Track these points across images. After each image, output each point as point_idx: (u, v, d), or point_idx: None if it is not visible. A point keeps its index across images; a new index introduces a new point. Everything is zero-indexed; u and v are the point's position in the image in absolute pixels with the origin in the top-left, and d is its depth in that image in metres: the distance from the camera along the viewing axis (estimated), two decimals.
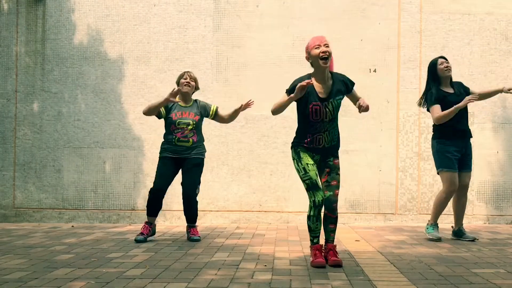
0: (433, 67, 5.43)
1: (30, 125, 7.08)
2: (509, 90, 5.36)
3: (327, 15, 7.04)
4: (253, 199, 6.98)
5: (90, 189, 7.04)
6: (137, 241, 5.20)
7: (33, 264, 4.04)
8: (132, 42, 7.09)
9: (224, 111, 5.58)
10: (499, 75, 7.04)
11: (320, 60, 3.96)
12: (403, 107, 7.01)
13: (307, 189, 4.00)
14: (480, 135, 6.86)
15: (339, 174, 4.09)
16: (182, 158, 5.34)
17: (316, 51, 3.97)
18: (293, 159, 4.08)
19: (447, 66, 5.36)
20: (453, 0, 7.05)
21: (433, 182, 6.92)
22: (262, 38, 7.06)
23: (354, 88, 4.17)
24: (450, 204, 5.48)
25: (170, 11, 7.11)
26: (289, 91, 4.05)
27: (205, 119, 5.55)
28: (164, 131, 5.46)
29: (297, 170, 4.05)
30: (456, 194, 5.36)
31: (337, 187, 4.06)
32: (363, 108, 3.96)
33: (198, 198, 5.47)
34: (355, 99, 4.14)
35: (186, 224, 5.61)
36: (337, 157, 4.13)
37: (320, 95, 4.00)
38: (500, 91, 5.46)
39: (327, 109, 3.99)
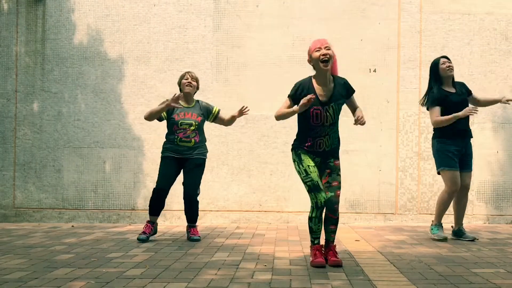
0: (435, 66, 5.43)
1: (30, 125, 7.09)
2: (507, 101, 5.36)
3: (327, 15, 7.04)
4: (253, 199, 6.98)
5: (90, 189, 7.04)
6: (139, 240, 5.21)
7: (33, 264, 4.04)
8: (132, 42, 7.09)
9: (223, 114, 5.58)
10: (499, 75, 7.04)
11: (320, 63, 3.95)
12: (403, 107, 7.01)
13: (309, 191, 3.98)
14: (480, 135, 6.86)
15: (340, 175, 4.09)
16: (184, 158, 5.34)
17: (316, 54, 3.96)
18: (294, 161, 4.08)
19: (449, 66, 5.35)
20: (453, 0, 7.06)
21: (433, 182, 6.92)
22: (262, 38, 7.06)
23: (354, 95, 4.18)
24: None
25: (170, 11, 7.11)
26: (291, 96, 4.05)
27: None
28: (166, 131, 5.46)
29: (298, 172, 4.04)
30: (457, 194, 5.35)
31: (338, 187, 4.06)
32: (360, 122, 3.96)
33: (198, 198, 5.47)
34: (352, 107, 4.17)
35: (186, 224, 5.61)
36: (338, 158, 4.13)
37: (321, 98, 3.99)
38: (499, 101, 5.46)
39: (328, 113, 3.98)
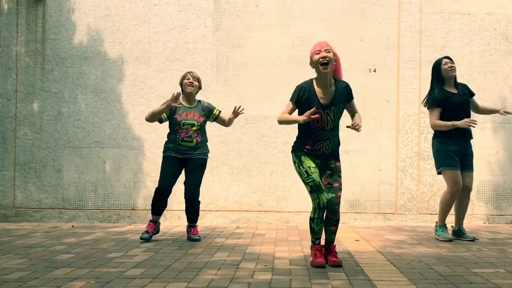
0: (437, 67, 5.42)
1: (30, 125, 7.09)
2: (505, 112, 5.36)
3: (327, 15, 7.04)
4: (253, 199, 6.98)
5: (90, 189, 7.04)
6: (142, 239, 5.22)
7: (33, 264, 4.04)
8: (132, 42, 7.10)
9: (224, 115, 5.58)
10: (499, 75, 7.04)
11: (320, 65, 3.95)
12: (403, 107, 7.01)
13: (311, 192, 3.98)
14: (480, 135, 6.86)
15: (341, 176, 4.08)
16: (185, 158, 5.34)
17: (316, 57, 3.96)
18: (294, 163, 4.08)
19: (451, 66, 5.35)
20: (453, 0, 7.06)
21: (433, 182, 6.92)
22: (262, 38, 7.06)
23: (354, 101, 4.20)
24: None
25: (170, 11, 7.11)
26: (293, 100, 4.06)
27: None
28: (166, 131, 5.46)
29: (299, 173, 4.04)
30: (459, 194, 5.33)
31: (339, 189, 4.05)
32: (355, 128, 3.95)
33: (199, 198, 5.47)
34: (352, 112, 4.18)
35: (186, 224, 5.61)
36: (339, 160, 4.13)
37: (322, 101, 3.98)
38: (497, 111, 5.45)
39: (328, 116, 3.98)
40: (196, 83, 5.42)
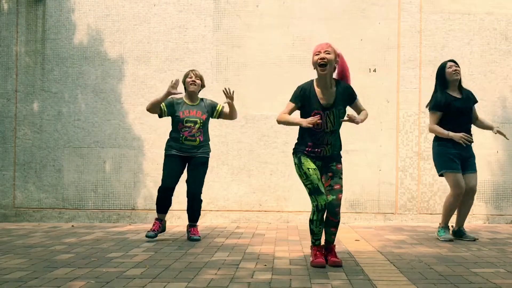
0: (441, 70, 5.41)
1: (30, 125, 7.09)
2: (497, 132, 5.35)
3: (327, 15, 7.04)
4: (253, 198, 6.98)
5: (90, 188, 7.04)
6: (148, 236, 5.24)
7: (33, 264, 4.04)
8: (132, 42, 7.10)
9: (226, 110, 5.57)
10: (499, 75, 7.04)
11: (318, 66, 3.95)
12: (403, 107, 7.01)
13: (310, 194, 3.98)
14: (480, 135, 6.86)
15: (342, 178, 4.07)
16: (188, 157, 5.33)
17: (315, 58, 3.97)
18: (295, 164, 4.08)
19: (455, 70, 5.33)
20: (453, 0, 7.06)
21: (433, 181, 6.92)
22: (262, 38, 7.06)
23: (359, 100, 4.19)
24: None
25: (170, 11, 7.11)
26: (293, 100, 4.05)
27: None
28: (168, 131, 5.45)
29: (299, 175, 4.04)
30: (463, 196, 5.32)
31: (340, 191, 4.04)
32: (353, 119, 3.94)
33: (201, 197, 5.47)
34: (358, 111, 4.18)
35: (186, 224, 5.61)
36: (340, 162, 4.12)
37: (322, 102, 3.98)
38: (491, 128, 5.43)
39: (328, 118, 3.97)
40: (198, 81, 5.41)
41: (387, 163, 6.99)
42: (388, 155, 7.00)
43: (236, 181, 7.00)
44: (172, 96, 5.28)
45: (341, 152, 4.20)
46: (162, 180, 5.33)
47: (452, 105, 5.26)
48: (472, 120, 5.44)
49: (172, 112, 5.32)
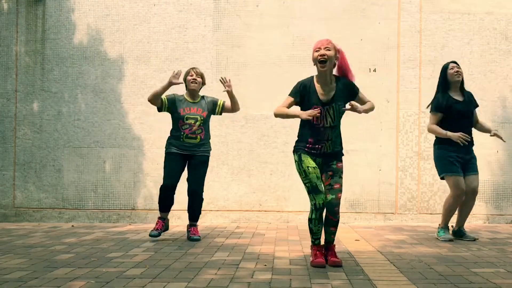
0: (443, 71, 5.41)
1: (30, 125, 7.09)
2: (495, 134, 5.34)
3: (327, 15, 7.04)
4: (253, 198, 6.98)
5: (90, 188, 7.04)
6: (151, 235, 5.25)
7: (33, 264, 4.04)
8: (132, 41, 7.09)
9: (228, 103, 5.55)
10: (498, 75, 7.04)
11: (318, 63, 3.96)
12: (403, 107, 7.01)
13: (308, 192, 3.99)
14: (480, 135, 6.84)
15: (342, 178, 4.07)
16: (189, 155, 5.32)
17: (315, 54, 3.97)
18: (295, 162, 4.07)
19: (457, 71, 5.32)
20: None
21: (433, 181, 6.92)
22: (262, 37, 7.06)
23: (363, 93, 4.17)
24: None
25: (170, 11, 7.11)
26: (293, 94, 4.05)
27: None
28: (168, 131, 5.45)
29: (299, 173, 4.04)
30: (464, 197, 5.32)
31: (340, 190, 4.04)
32: (355, 109, 3.94)
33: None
34: (363, 103, 4.15)
35: (186, 224, 5.60)
36: (341, 161, 4.10)
37: (321, 98, 3.98)
38: (489, 131, 5.42)
39: (328, 113, 3.97)
40: (199, 79, 5.42)
41: (387, 163, 6.99)
42: (388, 155, 6.99)
43: (236, 181, 7.00)
44: (175, 94, 5.31)
45: (342, 151, 4.18)
46: (164, 178, 5.32)
47: (453, 108, 5.25)
48: (473, 123, 5.44)
49: (173, 109, 5.32)
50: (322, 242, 4.11)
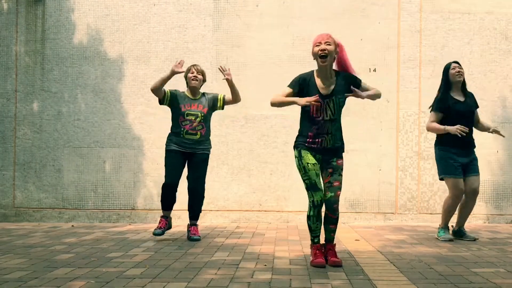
0: (446, 71, 5.41)
1: (30, 125, 7.08)
2: (494, 131, 5.33)
3: (327, 15, 7.03)
4: (253, 198, 6.98)
5: (90, 188, 7.04)
6: (155, 234, 5.25)
7: (33, 264, 4.04)
8: (132, 41, 7.09)
9: (228, 96, 5.53)
10: (499, 75, 7.04)
11: (318, 58, 3.96)
12: (403, 107, 7.01)
13: (307, 189, 4.01)
14: (480, 134, 6.84)
15: (341, 175, 4.07)
16: (189, 153, 5.31)
17: (316, 49, 3.97)
18: (295, 157, 4.07)
19: (458, 72, 5.32)
20: None
21: (433, 181, 6.92)
22: (261, 37, 7.06)
23: (366, 83, 4.14)
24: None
25: (169, 11, 7.11)
26: (291, 85, 4.04)
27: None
28: (168, 131, 5.44)
29: (298, 169, 4.05)
30: (465, 198, 5.33)
31: (339, 188, 4.04)
32: (356, 93, 3.92)
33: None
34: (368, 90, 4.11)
35: (185, 224, 5.60)
36: (341, 157, 4.10)
37: (322, 91, 3.99)
38: (489, 128, 5.41)
39: (328, 106, 3.97)
40: (200, 76, 5.42)
41: (387, 163, 6.98)
42: (388, 155, 6.99)
43: (236, 181, 7.00)
44: (177, 89, 5.36)
45: (343, 147, 4.16)
46: (165, 176, 5.31)
47: (453, 108, 5.25)
48: (474, 124, 5.43)
49: (174, 103, 5.31)
50: (322, 241, 4.11)
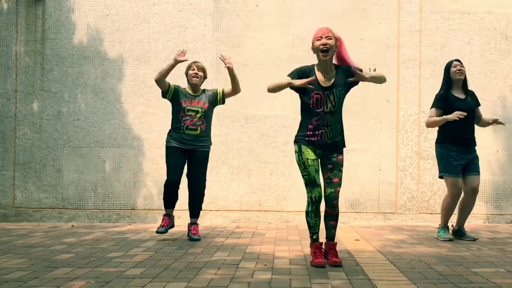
0: (447, 69, 5.42)
1: (30, 125, 7.08)
2: (494, 121, 5.32)
3: (327, 15, 7.03)
4: (253, 198, 6.98)
5: (90, 188, 7.04)
6: (158, 232, 5.26)
7: (33, 264, 4.04)
8: (132, 41, 7.09)
9: (228, 88, 5.54)
10: (499, 74, 7.04)
11: (320, 52, 3.97)
12: (403, 107, 7.01)
13: (306, 185, 4.03)
14: (480, 134, 6.84)
15: (341, 171, 4.07)
16: (189, 150, 5.31)
17: (317, 43, 3.98)
18: (295, 152, 4.08)
19: (459, 70, 5.32)
20: None
21: (433, 181, 6.92)
22: (261, 37, 7.06)
23: (365, 72, 4.11)
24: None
25: (169, 11, 7.11)
26: (291, 75, 4.05)
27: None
28: (166, 131, 5.44)
29: (298, 164, 4.06)
30: (465, 197, 5.34)
31: (339, 184, 4.06)
32: (359, 72, 3.92)
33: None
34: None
35: (185, 224, 5.60)
36: (341, 153, 4.10)
37: (322, 84, 4.00)
38: (490, 122, 5.38)
39: (328, 98, 3.97)
40: (201, 73, 5.42)
41: (387, 162, 6.98)
42: (388, 154, 6.99)
43: (236, 181, 7.00)
44: (179, 85, 5.35)
45: (344, 142, 4.15)
46: (167, 174, 5.32)
47: (453, 106, 5.25)
48: (475, 121, 5.43)
49: (175, 98, 5.31)
50: (321, 240, 4.11)
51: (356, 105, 6.86)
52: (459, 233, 5.42)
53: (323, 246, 4.11)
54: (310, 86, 3.90)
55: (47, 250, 4.70)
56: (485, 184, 6.92)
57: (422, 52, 7.03)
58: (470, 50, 7.03)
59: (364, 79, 4.01)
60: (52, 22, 7.12)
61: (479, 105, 5.47)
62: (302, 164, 4.00)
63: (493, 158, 6.97)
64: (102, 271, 3.76)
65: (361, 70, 4.05)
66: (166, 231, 5.31)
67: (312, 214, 4.03)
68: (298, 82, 3.93)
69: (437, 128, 5.48)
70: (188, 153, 5.32)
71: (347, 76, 4.04)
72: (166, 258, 4.31)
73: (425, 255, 4.43)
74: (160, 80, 5.24)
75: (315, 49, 4.00)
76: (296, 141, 4.09)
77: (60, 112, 7.08)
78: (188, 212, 5.51)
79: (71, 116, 7.07)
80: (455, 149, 5.26)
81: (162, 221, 5.36)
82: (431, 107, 5.43)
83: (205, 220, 6.83)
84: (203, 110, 5.32)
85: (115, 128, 7.05)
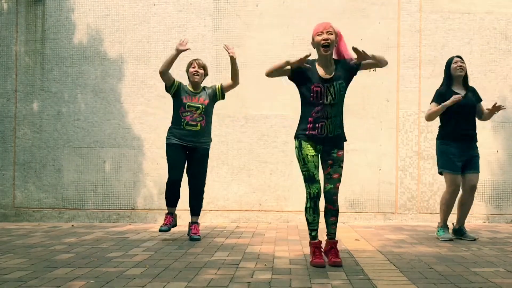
0: (448, 65, 5.43)
1: (30, 125, 7.08)
2: (493, 107, 5.30)
3: (326, 15, 7.03)
4: (253, 198, 6.98)
5: (90, 188, 7.04)
6: (161, 231, 5.26)
7: (33, 264, 4.04)
8: (132, 41, 7.09)
9: (226, 83, 5.55)
10: (498, 74, 7.04)
11: (321, 47, 3.98)
12: (403, 106, 7.01)
13: (304, 180, 4.04)
14: (480, 134, 6.83)
15: (341, 167, 4.08)
16: (189, 147, 5.31)
17: (318, 38, 3.99)
18: (295, 148, 4.09)
19: (460, 66, 5.33)
20: None
21: (432, 181, 6.92)
22: (261, 37, 7.06)
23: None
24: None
25: (169, 11, 7.11)
26: (291, 63, 4.07)
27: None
28: (166, 130, 5.44)
29: (298, 159, 4.06)
30: (463, 194, 5.35)
31: (339, 180, 4.06)
32: (363, 54, 3.92)
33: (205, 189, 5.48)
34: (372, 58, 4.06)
35: (185, 224, 5.60)
36: (342, 149, 4.10)
37: (322, 76, 4.00)
38: (492, 109, 5.38)
39: (328, 91, 3.97)
40: (201, 71, 5.43)
41: (387, 162, 6.99)
42: (388, 154, 6.99)
43: (236, 181, 7.00)
44: (181, 81, 5.37)
45: (344, 136, 4.15)
46: (169, 172, 5.32)
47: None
48: (476, 117, 5.44)
49: (178, 94, 5.33)
50: (320, 238, 4.11)
51: (356, 105, 6.86)
52: (459, 232, 5.42)
53: (323, 245, 4.12)
54: (307, 65, 3.94)
55: (47, 250, 4.70)
56: (485, 184, 6.93)
57: (422, 52, 7.03)
58: (470, 50, 7.04)
59: (367, 57, 3.98)
60: (52, 22, 7.12)
61: (481, 100, 5.47)
62: (302, 159, 4.01)
63: (493, 158, 6.97)
64: (102, 271, 3.76)
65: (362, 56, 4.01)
66: (169, 230, 5.32)
67: (310, 210, 4.04)
68: (294, 59, 3.96)
69: (438, 125, 5.48)
70: (188, 150, 5.33)
71: (347, 69, 4.06)
72: (166, 258, 4.31)
73: (425, 255, 4.43)
74: (164, 72, 5.26)
75: (316, 44, 4.01)
76: (296, 137, 4.10)
77: (60, 112, 7.08)
78: (188, 211, 5.51)
79: (71, 116, 7.07)
80: (456, 145, 5.26)
81: (165, 219, 5.37)
82: (431, 101, 5.44)
83: (205, 220, 6.83)
84: (203, 106, 5.34)
85: (115, 128, 7.06)
